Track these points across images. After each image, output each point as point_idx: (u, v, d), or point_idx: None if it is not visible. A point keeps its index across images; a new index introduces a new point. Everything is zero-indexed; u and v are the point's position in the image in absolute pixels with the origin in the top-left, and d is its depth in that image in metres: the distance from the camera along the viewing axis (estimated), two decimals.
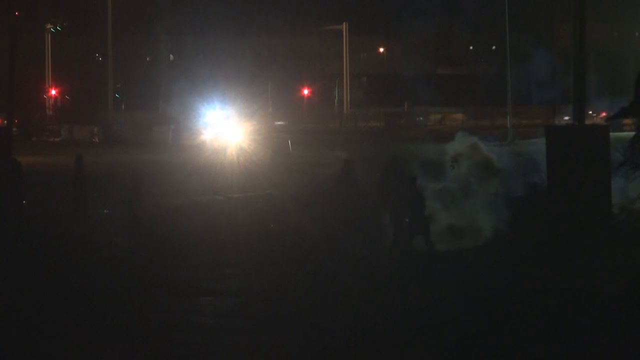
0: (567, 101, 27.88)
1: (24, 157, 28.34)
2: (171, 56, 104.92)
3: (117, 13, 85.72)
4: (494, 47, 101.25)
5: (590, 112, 55.41)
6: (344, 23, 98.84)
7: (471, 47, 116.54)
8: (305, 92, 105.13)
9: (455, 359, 14.10)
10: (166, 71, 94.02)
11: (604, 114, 58.81)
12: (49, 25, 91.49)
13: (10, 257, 21.92)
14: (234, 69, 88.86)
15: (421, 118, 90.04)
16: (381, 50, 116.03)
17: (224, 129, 48.93)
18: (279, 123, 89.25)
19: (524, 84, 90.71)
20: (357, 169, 23.58)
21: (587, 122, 24.70)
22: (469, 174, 25.07)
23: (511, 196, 24.79)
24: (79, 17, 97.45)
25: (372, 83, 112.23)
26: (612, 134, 23.02)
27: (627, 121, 36.90)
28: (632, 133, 23.48)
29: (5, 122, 33.45)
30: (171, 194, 32.81)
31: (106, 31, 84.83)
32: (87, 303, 17.62)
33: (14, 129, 34.50)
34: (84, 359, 14.43)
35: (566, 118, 72.17)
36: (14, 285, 19.30)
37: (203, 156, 43.30)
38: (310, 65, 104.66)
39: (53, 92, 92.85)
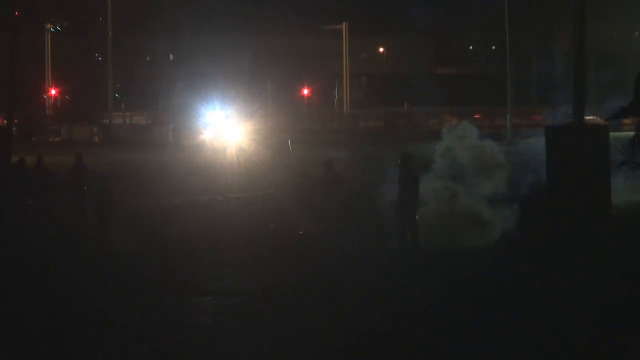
0: (568, 101, 27.85)
1: (24, 157, 28.31)
2: (171, 56, 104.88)
3: (117, 13, 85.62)
4: (494, 47, 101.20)
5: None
6: (344, 23, 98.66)
7: (471, 47, 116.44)
8: (305, 92, 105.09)
9: (455, 359, 14.10)
10: (166, 71, 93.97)
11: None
12: (49, 25, 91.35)
13: (10, 257, 21.92)
14: (234, 69, 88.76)
15: (426, 121, 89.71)
16: (381, 50, 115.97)
17: (224, 129, 48.85)
18: None
19: (524, 84, 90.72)
20: (338, 170, 23.63)
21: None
22: (468, 168, 25.03)
23: (511, 196, 24.78)
24: (79, 17, 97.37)
25: (372, 83, 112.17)
26: (612, 134, 23.00)
27: (627, 121, 36.87)
28: (632, 133, 23.46)
29: (5, 122, 33.53)
30: (171, 194, 32.78)
31: (106, 31, 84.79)
32: (87, 303, 17.61)
33: (14, 129, 34.59)
34: (84, 359, 14.43)
35: (537, 117, 72.44)
36: (14, 285, 19.30)
37: (203, 156, 43.25)
38: (310, 65, 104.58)
39: (53, 92, 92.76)
